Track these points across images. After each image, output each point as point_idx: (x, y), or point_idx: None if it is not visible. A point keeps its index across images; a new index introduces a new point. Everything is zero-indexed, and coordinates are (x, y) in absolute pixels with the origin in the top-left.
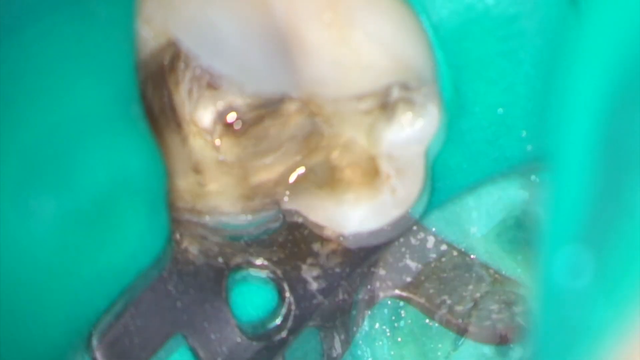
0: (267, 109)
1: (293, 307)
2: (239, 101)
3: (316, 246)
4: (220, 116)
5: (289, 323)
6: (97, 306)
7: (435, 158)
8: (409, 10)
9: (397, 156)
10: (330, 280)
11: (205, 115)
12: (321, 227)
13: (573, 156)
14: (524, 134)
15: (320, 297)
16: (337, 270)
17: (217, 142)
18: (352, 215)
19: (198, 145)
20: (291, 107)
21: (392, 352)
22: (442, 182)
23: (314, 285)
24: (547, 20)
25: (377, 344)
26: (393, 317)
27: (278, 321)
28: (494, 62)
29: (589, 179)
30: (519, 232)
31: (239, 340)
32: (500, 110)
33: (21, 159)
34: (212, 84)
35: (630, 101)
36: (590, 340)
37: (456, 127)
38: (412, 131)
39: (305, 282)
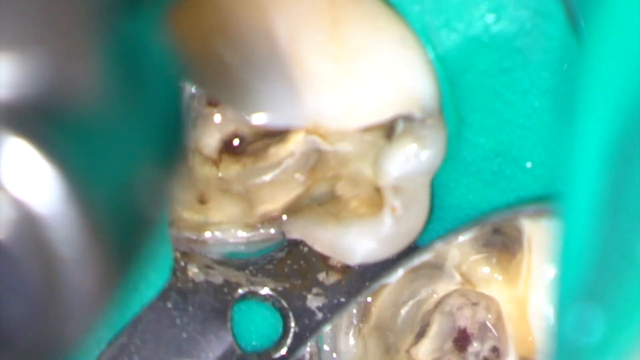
0: (272, 138)
1: (298, 336)
2: (245, 130)
3: (321, 276)
4: (226, 144)
5: (295, 353)
6: (100, 338)
7: (441, 189)
8: (415, 43)
9: (402, 187)
10: (334, 309)
11: (211, 142)
12: (326, 258)
13: (579, 204)
14: (529, 165)
15: (323, 326)
16: (342, 299)
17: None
18: (357, 247)
19: (203, 174)
20: (296, 137)
21: (356, 346)
22: (448, 213)
23: (319, 316)
24: (551, 52)
25: (342, 337)
26: (361, 313)
27: (283, 351)
28: (498, 93)
29: (595, 228)
30: (494, 236)
31: None
32: (505, 141)
33: None
34: (215, 108)
35: (634, 149)
36: None
37: (461, 158)
38: (417, 163)
39: (310, 312)
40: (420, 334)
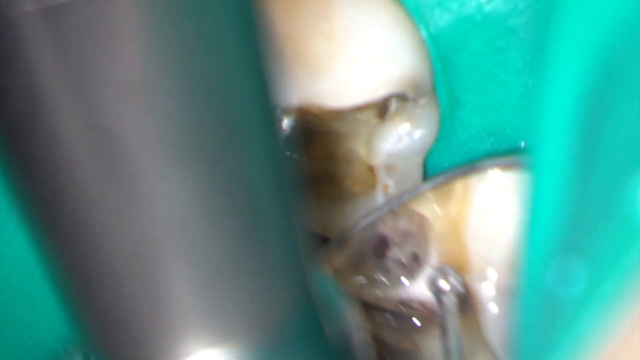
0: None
1: None
2: None
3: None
4: None
5: None
6: None
7: (434, 168)
8: (407, 22)
9: (395, 166)
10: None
11: None
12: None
13: (552, 158)
14: (522, 144)
15: None
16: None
17: None
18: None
19: None
20: (289, 117)
21: None
22: None
23: None
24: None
25: None
26: None
27: None
28: (492, 73)
29: (569, 181)
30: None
31: None
32: (498, 120)
33: None
34: None
35: (608, 100)
36: (578, 337)
37: (454, 137)
38: (410, 142)
39: None
40: (340, 244)
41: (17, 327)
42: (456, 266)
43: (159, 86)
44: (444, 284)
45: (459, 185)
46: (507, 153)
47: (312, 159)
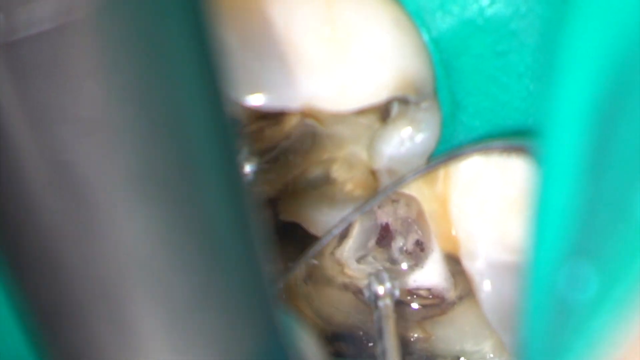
0: (267, 120)
1: None
2: (241, 112)
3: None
4: None
5: None
6: None
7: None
8: (409, 25)
9: (397, 170)
10: None
11: None
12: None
13: (564, 161)
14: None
15: None
16: None
17: None
18: None
19: None
20: (291, 120)
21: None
22: None
23: None
24: (546, 35)
25: None
26: None
27: None
28: (493, 76)
29: (581, 185)
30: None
31: None
32: (500, 124)
33: None
34: None
35: (620, 104)
36: (588, 341)
37: (456, 141)
38: (412, 145)
39: None
40: (343, 235)
41: (16, 327)
42: (448, 245)
43: (118, 122)
44: (380, 289)
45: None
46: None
47: (313, 162)
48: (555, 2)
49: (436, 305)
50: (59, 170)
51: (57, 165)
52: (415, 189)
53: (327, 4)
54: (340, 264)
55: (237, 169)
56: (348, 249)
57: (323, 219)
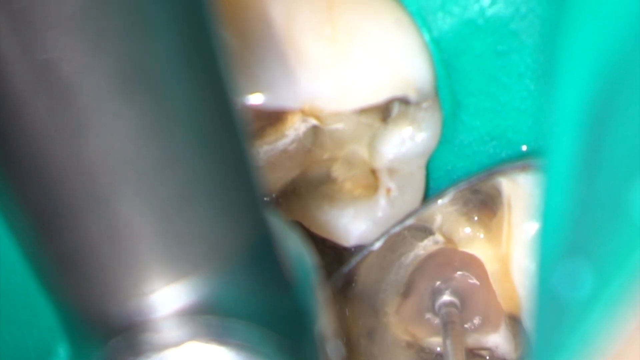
0: (268, 119)
1: None
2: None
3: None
4: None
5: None
6: None
7: (437, 172)
8: (410, 25)
9: (398, 170)
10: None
11: None
12: (322, 238)
13: (559, 162)
14: (525, 148)
15: None
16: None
17: None
18: (352, 229)
19: None
20: (292, 119)
21: (345, 310)
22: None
23: None
24: (545, 35)
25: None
26: (344, 280)
27: None
28: (494, 76)
29: (575, 184)
30: (474, 195)
31: None
32: (501, 124)
33: None
34: None
35: (613, 105)
36: (583, 339)
37: (457, 141)
38: (413, 145)
39: None
40: (406, 295)
41: (16, 327)
42: (509, 305)
43: (101, 18)
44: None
45: (505, 222)
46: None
47: (314, 162)
48: (555, 2)
49: None
50: (44, 70)
51: (41, 64)
52: (479, 250)
53: (327, 3)
54: (404, 322)
55: (222, 69)
56: (410, 308)
57: (324, 218)
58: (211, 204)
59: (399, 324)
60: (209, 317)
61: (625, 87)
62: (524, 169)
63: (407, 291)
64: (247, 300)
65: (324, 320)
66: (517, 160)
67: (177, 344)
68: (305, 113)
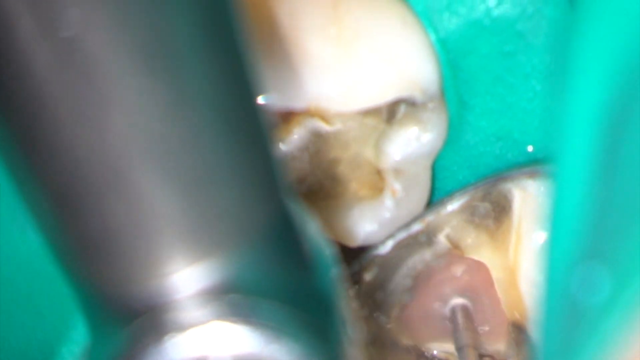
0: (273, 120)
1: None
2: None
3: None
4: None
5: None
6: None
7: (443, 172)
8: (416, 25)
9: (403, 170)
10: None
11: None
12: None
13: (575, 165)
14: (530, 148)
15: None
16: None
17: None
18: (358, 230)
19: None
20: (297, 119)
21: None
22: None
23: None
24: (554, 37)
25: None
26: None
27: None
28: (500, 77)
29: (591, 188)
30: (483, 203)
31: None
32: (507, 124)
33: None
34: None
35: (631, 106)
36: (601, 343)
37: (463, 142)
38: (419, 146)
39: None
40: (410, 299)
41: (21, 328)
42: (514, 313)
43: None
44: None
45: (513, 232)
46: (519, 160)
47: (319, 162)
48: (562, 3)
49: None
50: (67, 48)
51: (64, 42)
52: (485, 257)
53: (333, 3)
54: (407, 326)
55: (244, 48)
56: (415, 314)
57: (329, 219)
58: (234, 183)
59: (400, 328)
60: (233, 296)
61: None
62: (532, 175)
63: (411, 296)
64: (270, 280)
65: (344, 301)
66: (525, 165)
67: (201, 323)
68: (310, 113)
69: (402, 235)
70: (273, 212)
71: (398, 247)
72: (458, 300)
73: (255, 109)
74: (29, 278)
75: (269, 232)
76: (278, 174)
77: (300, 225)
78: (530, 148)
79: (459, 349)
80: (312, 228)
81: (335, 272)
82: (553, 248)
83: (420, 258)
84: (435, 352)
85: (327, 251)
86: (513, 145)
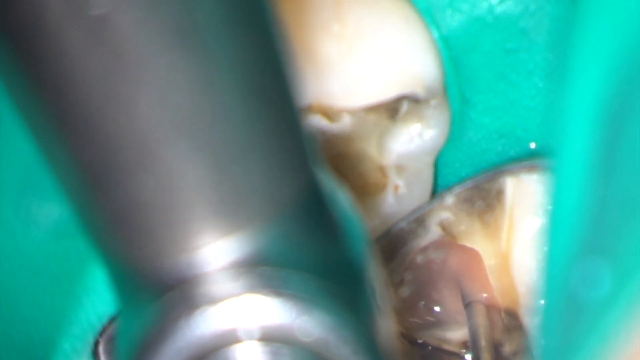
0: None
1: None
2: None
3: None
4: None
5: None
6: (102, 312)
7: (445, 169)
8: (419, 23)
9: (406, 167)
10: None
11: None
12: None
13: (574, 161)
14: (533, 145)
15: None
16: None
17: None
18: None
19: None
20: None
21: None
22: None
23: None
24: (557, 34)
25: None
26: None
27: None
28: (503, 74)
29: (591, 183)
30: (475, 191)
31: None
32: (509, 122)
33: (23, 163)
34: None
35: (630, 101)
36: (601, 338)
37: (465, 139)
38: (421, 142)
39: None
40: (403, 287)
41: (23, 324)
42: (507, 300)
43: None
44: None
45: (505, 218)
46: (521, 157)
47: (322, 158)
48: (565, 1)
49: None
50: (98, 25)
51: (95, 20)
52: (478, 244)
53: (336, 1)
54: (399, 314)
55: (273, 24)
56: (402, 299)
57: None
58: (264, 156)
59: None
60: (264, 269)
61: None
62: (531, 169)
63: (404, 284)
64: (301, 251)
65: (374, 272)
66: (525, 160)
67: (233, 295)
68: (313, 110)
69: (398, 225)
70: (303, 184)
71: (391, 235)
72: (450, 288)
73: (285, 81)
74: (31, 273)
75: (300, 204)
76: (307, 145)
77: (330, 196)
78: (532, 145)
79: (467, 303)
80: (342, 198)
81: (365, 243)
82: (553, 243)
83: (413, 246)
84: (420, 341)
85: (357, 222)
86: (515, 142)
